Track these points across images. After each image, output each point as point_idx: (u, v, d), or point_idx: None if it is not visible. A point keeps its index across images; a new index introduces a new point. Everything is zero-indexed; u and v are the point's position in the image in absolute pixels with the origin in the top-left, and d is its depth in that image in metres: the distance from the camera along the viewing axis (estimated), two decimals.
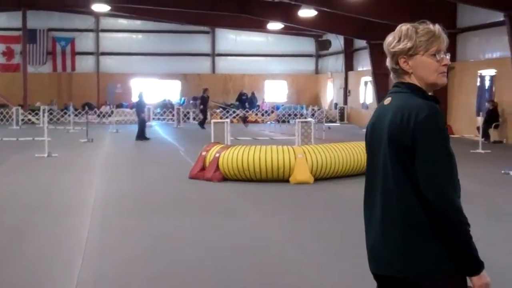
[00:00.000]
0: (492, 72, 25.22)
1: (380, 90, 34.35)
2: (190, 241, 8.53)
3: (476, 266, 2.86)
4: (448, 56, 3.07)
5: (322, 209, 11.07)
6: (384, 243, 3.01)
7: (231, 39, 45.63)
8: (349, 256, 7.78)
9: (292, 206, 11.39)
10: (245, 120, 27.82)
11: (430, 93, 3.09)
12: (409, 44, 3.02)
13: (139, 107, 26.10)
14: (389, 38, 3.12)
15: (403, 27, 3.08)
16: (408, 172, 2.91)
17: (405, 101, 2.97)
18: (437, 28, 3.05)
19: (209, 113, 35.87)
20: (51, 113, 33.25)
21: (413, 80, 3.05)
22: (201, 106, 33.92)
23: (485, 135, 22.47)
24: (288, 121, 36.51)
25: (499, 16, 23.06)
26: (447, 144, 2.93)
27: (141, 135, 25.26)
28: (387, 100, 3.09)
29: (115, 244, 8.43)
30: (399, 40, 3.06)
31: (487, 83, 25.76)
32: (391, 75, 3.17)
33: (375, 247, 3.07)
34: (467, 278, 2.89)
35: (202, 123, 32.37)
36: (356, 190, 12.91)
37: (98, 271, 7.23)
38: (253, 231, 9.20)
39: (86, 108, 37.94)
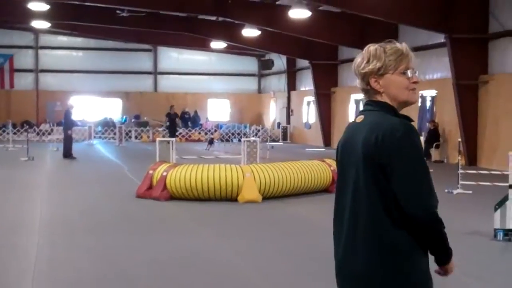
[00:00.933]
0: (433, 92, 25.74)
1: (323, 109, 34.72)
2: (140, 260, 8.38)
3: (450, 256, 3.06)
4: (416, 74, 3.09)
5: (272, 227, 11.02)
6: (354, 261, 3.00)
7: (174, 57, 45.53)
8: (301, 274, 7.75)
9: (242, 225, 11.32)
10: (211, 142, 27.52)
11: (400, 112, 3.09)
12: (378, 64, 3.04)
13: (66, 124, 25.19)
14: (358, 60, 3.13)
15: (371, 48, 3.10)
16: (382, 191, 2.91)
17: (379, 120, 2.97)
18: (404, 46, 3.09)
19: (151, 132, 35.60)
20: None
21: (384, 99, 3.06)
22: (167, 123, 33.39)
23: (427, 155, 22.84)
24: (232, 140, 36.57)
25: (440, 38, 23.60)
26: (423, 159, 2.95)
27: (67, 153, 24.56)
28: (359, 118, 3.08)
29: (65, 264, 8.21)
30: (368, 61, 3.07)
31: (428, 104, 26.27)
32: (363, 95, 3.17)
33: (343, 263, 3.08)
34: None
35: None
36: (305, 208, 13.00)
37: None
38: (203, 250, 9.09)
39: (26, 126, 37.18)
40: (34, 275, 7.60)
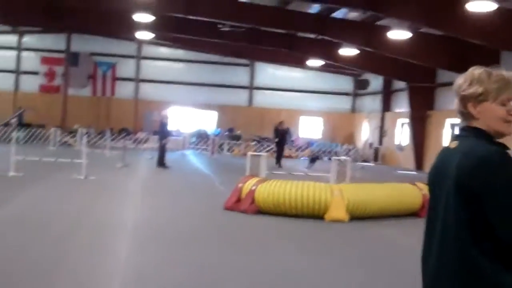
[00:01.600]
0: None
1: (417, 132, 34.20)
2: (224, 273, 8.48)
3: None
4: None
5: (357, 248, 10.96)
6: None
7: (270, 73, 45.91)
8: None
9: (327, 243, 11.30)
10: (314, 160, 23.00)
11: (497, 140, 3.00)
12: (480, 90, 2.95)
13: (161, 133, 25.81)
14: (460, 81, 3.05)
15: (476, 71, 3.01)
16: (471, 220, 2.84)
17: (473, 146, 2.89)
18: (511, 75, 2.97)
19: (243, 146, 36.00)
20: (88, 136, 33.62)
21: (480, 125, 2.97)
22: (276, 139, 31.77)
23: None
24: (321, 158, 36.50)
25: None
26: None
27: (161, 162, 25.08)
28: (453, 143, 3.02)
29: (152, 271, 8.39)
30: (470, 84, 2.98)
31: None
32: (459, 119, 3.10)
33: None
34: None
35: (278, 159, 30.12)
36: (393, 231, 12.85)
37: None
38: (288, 266, 9.12)
39: (124, 133, 38.37)
40: (122, 279, 7.84)
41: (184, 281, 7.99)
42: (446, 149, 3.07)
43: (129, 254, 9.22)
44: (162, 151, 25.28)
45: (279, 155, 30.10)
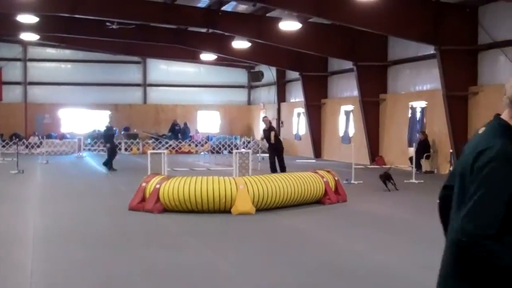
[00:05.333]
0: (423, 104, 25.86)
1: (313, 121, 34.75)
2: (133, 273, 8.33)
3: None
4: None
5: (266, 239, 11.00)
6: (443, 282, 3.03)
7: (163, 69, 45.52)
8: (297, 286, 7.72)
9: (236, 237, 11.29)
10: (388, 178, 16.89)
11: None
12: None
13: (106, 137, 26.28)
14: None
15: None
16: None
17: (488, 136, 2.92)
18: None
19: (141, 144, 35.49)
20: None
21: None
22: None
23: (417, 166, 22.90)
24: (222, 152, 36.56)
25: (430, 49, 23.72)
26: (500, 187, 2.79)
27: (110, 165, 24.95)
28: (481, 130, 3.05)
29: (60, 277, 8.16)
30: None
31: (418, 115, 26.39)
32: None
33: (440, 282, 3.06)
34: None
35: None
36: (299, 220, 12.99)
37: None
38: (197, 263, 9.06)
39: (16, 138, 37.02)
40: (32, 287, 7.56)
41: (89, 284, 7.78)
42: (475, 133, 3.10)
43: (36, 263, 8.88)
44: (110, 154, 25.02)
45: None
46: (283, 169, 21.70)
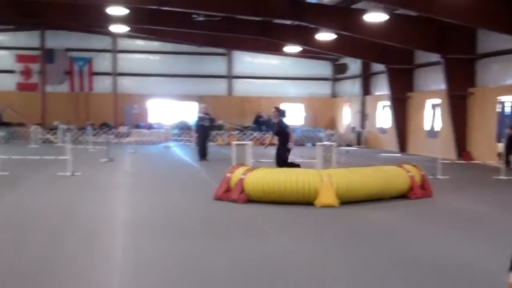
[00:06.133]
0: None
1: (398, 114, 34.34)
2: (218, 263, 8.46)
3: None
4: None
5: (348, 232, 11.00)
6: None
7: (248, 61, 45.85)
8: (380, 279, 7.71)
9: (318, 229, 11.33)
10: None
11: None
12: None
13: (198, 127, 26.75)
14: None
15: None
16: None
17: None
18: None
19: (226, 135, 35.88)
20: (70, 132, 33.40)
21: None
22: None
23: (506, 161, 22.31)
24: (305, 144, 36.60)
25: None
26: None
27: (203, 155, 25.63)
28: None
29: (148, 266, 8.36)
30: None
31: (507, 109, 25.70)
32: None
33: None
34: None
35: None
36: (383, 214, 12.91)
37: None
38: (278, 253, 9.15)
39: (106, 128, 38.18)
40: (120, 276, 7.82)
41: (181, 274, 7.96)
42: None
43: (124, 252, 9.16)
44: (202, 144, 25.55)
45: None
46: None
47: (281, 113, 18.20)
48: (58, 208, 12.97)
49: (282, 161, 17.77)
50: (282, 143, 18.09)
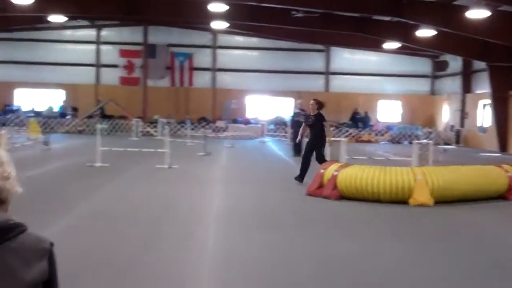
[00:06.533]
0: None
1: (500, 113, 33.38)
2: (306, 257, 8.55)
3: None
4: None
5: (440, 232, 10.85)
6: None
7: (346, 57, 45.61)
8: (471, 281, 7.61)
9: (411, 228, 11.22)
10: None
11: None
12: None
13: (293, 122, 26.81)
14: None
15: None
16: None
17: None
18: None
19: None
20: (169, 126, 34.24)
21: None
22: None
23: None
24: (402, 142, 36.14)
25: None
26: None
27: (297, 151, 25.71)
28: None
29: (239, 258, 8.57)
30: None
31: None
32: None
33: None
34: None
35: None
36: (479, 215, 12.63)
37: (226, 283, 7.35)
38: (369, 251, 9.14)
39: (204, 122, 38.95)
40: (210, 266, 8.03)
41: (268, 266, 8.10)
42: None
43: (215, 241, 9.40)
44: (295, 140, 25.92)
45: None
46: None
47: (320, 106, 17.48)
48: (154, 200, 13.41)
49: (319, 155, 16.88)
50: (315, 137, 17.05)
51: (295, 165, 21.80)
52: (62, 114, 42.69)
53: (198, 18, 36.87)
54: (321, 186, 14.44)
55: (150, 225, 10.51)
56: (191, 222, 10.96)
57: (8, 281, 2.37)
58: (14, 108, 43.73)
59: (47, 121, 38.84)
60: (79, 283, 6.98)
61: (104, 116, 40.81)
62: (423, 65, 45.25)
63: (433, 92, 45.96)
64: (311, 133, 17.21)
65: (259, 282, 7.42)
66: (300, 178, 16.34)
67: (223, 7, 30.04)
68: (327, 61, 45.95)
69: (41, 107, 43.87)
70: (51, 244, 2.56)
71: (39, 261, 2.48)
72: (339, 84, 45.74)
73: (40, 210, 11.31)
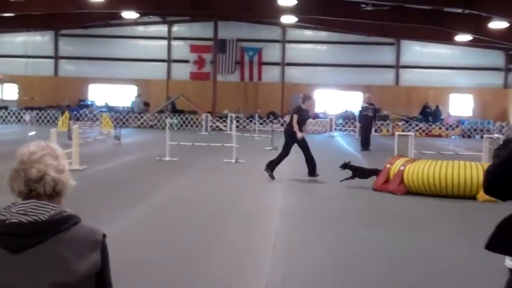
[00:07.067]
0: None
1: None
2: (371, 254, 8.55)
3: None
4: None
5: None
6: None
7: (417, 51, 44.97)
8: None
9: (479, 224, 11.05)
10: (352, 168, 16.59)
11: None
12: None
13: (361, 117, 27.09)
14: None
15: None
16: None
17: None
18: None
19: (390, 126, 35.50)
20: (237, 121, 34.53)
21: None
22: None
23: None
24: (474, 136, 35.46)
25: None
26: None
27: (365, 145, 25.82)
28: None
29: (301, 252, 8.63)
30: None
31: None
32: None
33: None
34: None
35: None
36: None
37: (286, 277, 7.41)
38: (435, 247, 9.06)
39: (271, 117, 39.09)
40: (273, 260, 8.10)
41: (332, 261, 8.14)
42: None
43: (278, 237, 9.47)
44: (365, 134, 25.94)
45: None
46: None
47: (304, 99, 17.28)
48: (220, 193, 13.62)
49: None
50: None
51: (363, 160, 21.73)
52: (134, 109, 43.58)
53: (267, 13, 37.03)
54: (387, 181, 14.38)
55: (215, 218, 10.71)
56: (255, 216, 11.09)
57: (61, 272, 2.47)
58: (88, 103, 44.86)
59: (119, 116, 39.74)
60: (144, 272, 7.21)
61: (175, 111, 41.46)
62: (495, 57, 44.21)
63: (506, 86, 44.85)
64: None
65: (324, 279, 7.44)
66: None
67: (292, 1, 30.12)
68: (397, 55, 45.40)
69: (115, 102, 44.98)
70: (104, 236, 2.64)
71: (91, 253, 2.56)
72: (409, 77, 45.16)
73: (110, 203, 11.67)
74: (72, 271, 2.49)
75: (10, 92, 46.80)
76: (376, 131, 38.04)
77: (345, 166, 15.43)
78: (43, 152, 2.62)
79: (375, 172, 15.04)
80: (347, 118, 40.63)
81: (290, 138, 16.50)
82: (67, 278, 2.47)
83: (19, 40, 46.43)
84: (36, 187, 2.57)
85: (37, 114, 39.45)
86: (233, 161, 19.18)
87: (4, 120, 41.18)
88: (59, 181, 2.61)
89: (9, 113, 41.79)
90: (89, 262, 2.54)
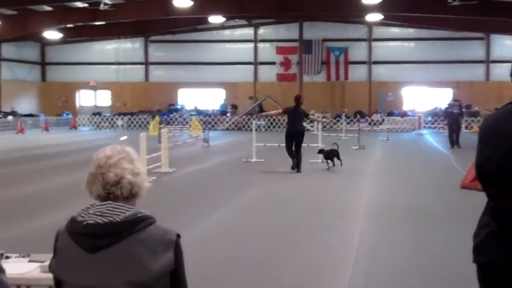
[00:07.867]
0: None
1: None
2: (454, 252, 8.44)
3: None
4: None
5: None
6: None
7: (508, 44, 43.73)
8: None
9: None
10: (336, 155, 18.18)
11: None
12: None
13: (445, 114, 26.91)
14: None
15: None
16: None
17: None
18: None
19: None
20: (323, 123, 34.49)
21: None
22: None
23: None
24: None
25: None
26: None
27: (453, 142, 25.48)
28: None
29: (384, 251, 8.62)
30: None
31: None
32: None
33: None
34: None
35: None
36: None
37: (369, 277, 7.41)
38: None
39: (358, 116, 38.91)
40: (356, 259, 8.14)
41: (419, 263, 8.03)
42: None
43: (363, 236, 9.48)
44: (452, 130, 25.67)
45: None
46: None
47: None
48: (304, 193, 13.75)
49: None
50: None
51: (451, 157, 21.39)
52: (222, 112, 44.24)
53: (352, 12, 36.90)
54: (476, 178, 14.08)
55: (298, 216, 10.84)
56: (338, 214, 11.15)
57: (136, 271, 2.59)
58: (178, 107, 45.84)
59: (208, 119, 40.44)
60: (222, 273, 7.43)
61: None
62: None
63: None
64: None
65: (408, 277, 7.41)
66: None
67: (377, 0, 29.91)
68: (487, 49, 44.29)
69: (204, 106, 45.81)
70: (178, 236, 2.73)
71: (165, 252, 2.66)
72: (500, 72, 43.90)
73: (198, 204, 12.01)
74: (147, 270, 2.59)
75: (103, 99, 48.45)
76: (466, 128, 37.27)
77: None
78: (119, 156, 2.75)
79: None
80: (436, 115, 39.93)
81: None
82: (142, 277, 2.58)
83: (110, 48, 47.97)
84: (114, 190, 2.70)
85: (129, 119, 40.69)
86: (320, 161, 19.24)
87: (98, 126, 42.65)
88: (135, 184, 2.73)
89: (102, 119, 43.25)
90: (163, 261, 2.63)
